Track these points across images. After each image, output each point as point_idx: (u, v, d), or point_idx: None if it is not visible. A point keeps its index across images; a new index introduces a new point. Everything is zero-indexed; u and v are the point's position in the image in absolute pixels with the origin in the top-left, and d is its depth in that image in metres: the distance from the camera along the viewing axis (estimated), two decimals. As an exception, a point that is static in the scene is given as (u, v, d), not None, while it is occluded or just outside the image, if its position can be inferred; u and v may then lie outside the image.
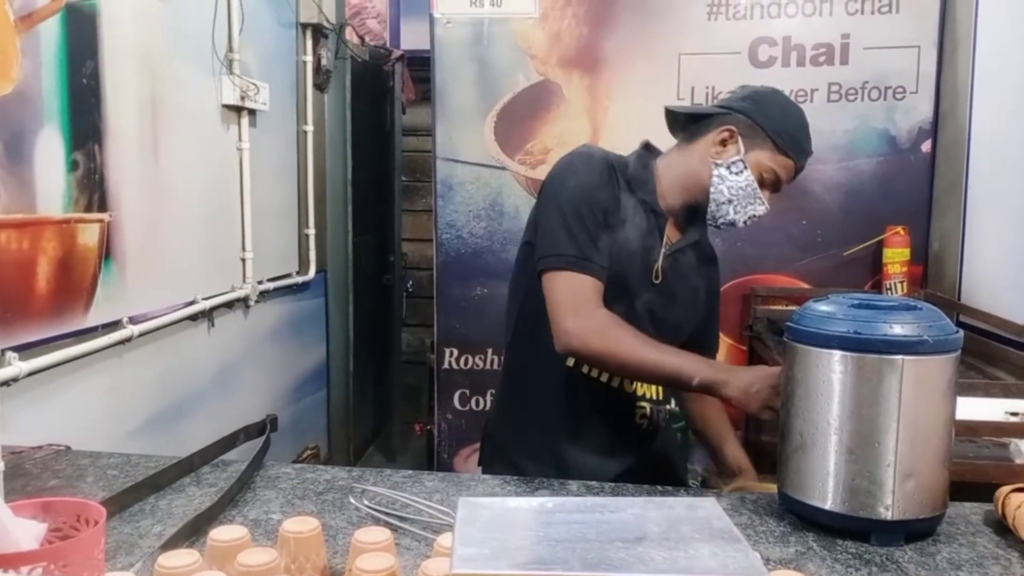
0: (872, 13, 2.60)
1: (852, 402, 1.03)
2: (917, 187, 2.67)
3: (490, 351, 2.81)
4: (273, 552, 0.88)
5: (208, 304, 2.45)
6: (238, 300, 2.69)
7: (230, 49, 2.58)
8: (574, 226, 1.30)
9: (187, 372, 2.37)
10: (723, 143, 1.35)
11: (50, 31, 1.73)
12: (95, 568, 0.68)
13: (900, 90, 2.62)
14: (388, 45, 4.48)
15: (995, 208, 2.38)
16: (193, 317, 2.38)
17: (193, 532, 1.03)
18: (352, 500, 1.17)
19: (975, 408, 1.59)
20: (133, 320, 2.04)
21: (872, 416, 1.02)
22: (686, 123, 1.43)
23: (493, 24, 2.71)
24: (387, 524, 1.07)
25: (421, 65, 3.10)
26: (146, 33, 2.11)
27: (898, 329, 1.02)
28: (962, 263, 2.54)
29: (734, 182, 1.34)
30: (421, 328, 4.63)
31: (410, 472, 1.31)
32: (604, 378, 1.40)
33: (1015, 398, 1.69)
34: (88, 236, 1.90)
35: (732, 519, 0.79)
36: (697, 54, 2.63)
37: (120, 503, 1.12)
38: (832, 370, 1.04)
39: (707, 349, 1.56)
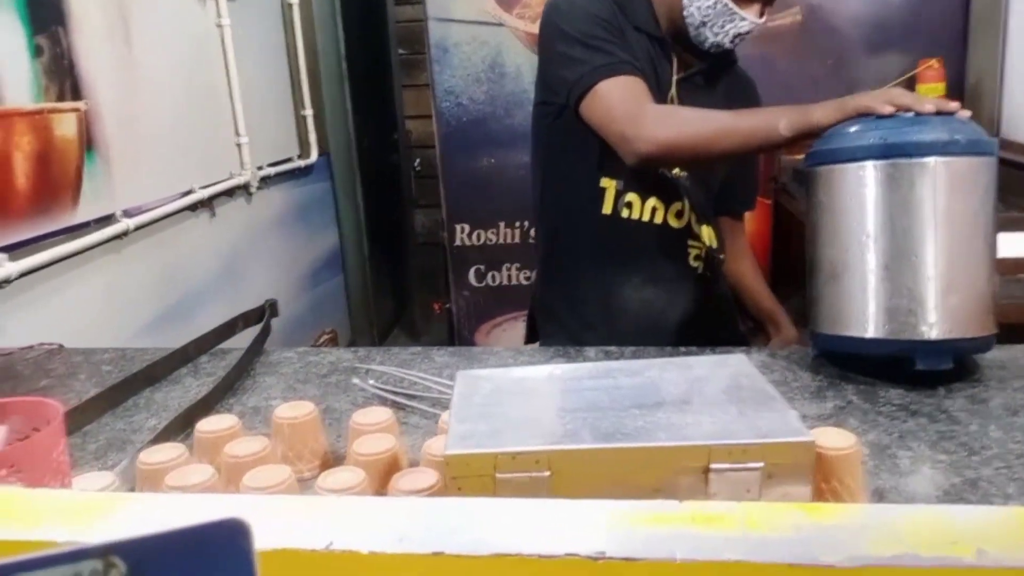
0: None
1: (884, 215, 0.94)
2: (951, 16, 2.45)
3: (502, 224, 2.71)
4: (264, 440, 0.81)
5: (206, 193, 2.35)
6: (238, 187, 2.59)
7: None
8: (593, 41, 1.21)
9: (190, 265, 2.30)
10: None
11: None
12: (57, 471, 0.62)
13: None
14: (373, -97, 4.14)
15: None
16: (192, 207, 2.29)
17: (187, 424, 0.96)
18: (356, 381, 1.10)
19: (1022, 245, 1.48)
20: (127, 213, 1.95)
21: (907, 227, 0.94)
22: None
23: None
24: (393, 403, 1.01)
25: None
26: None
27: (928, 132, 0.93)
28: (1001, 97, 2.36)
29: (701, 3, 1.23)
30: (433, 208, 4.53)
31: (419, 349, 1.24)
32: (647, 217, 1.31)
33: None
34: (65, 127, 1.78)
35: (763, 376, 0.70)
36: None
37: (111, 399, 1.06)
38: (861, 183, 0.95)
39: (743, 197, 1.49)
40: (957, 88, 2.47)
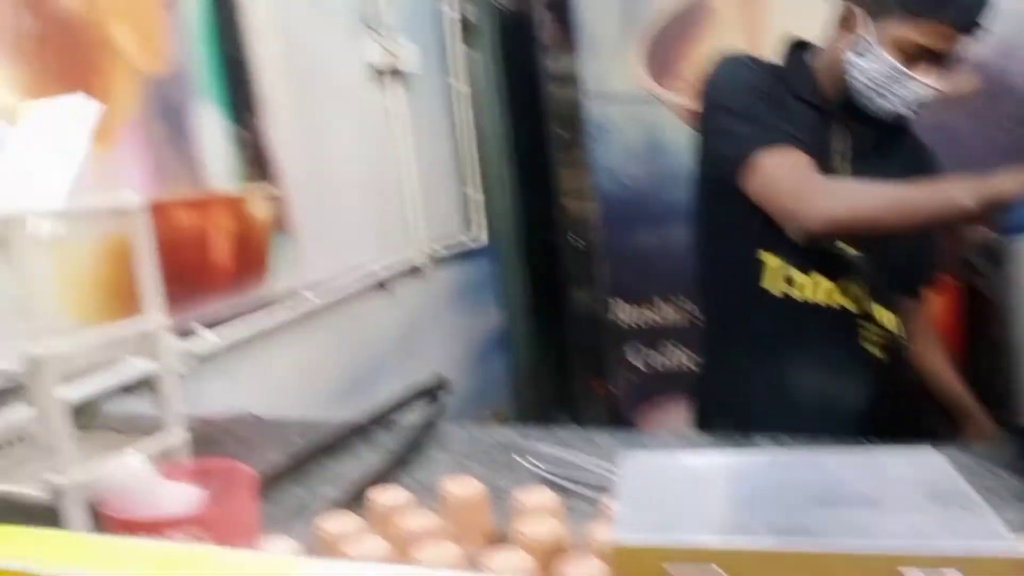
0: None
1: None
2: None
3: (664, 303, 2.67)
4: (433, 515, 0.84)
5: (384, 272, 2.50)
6: (412, 267, 2.73)
7: (376, 12, 2.58)
8: (752, 113, 1.19)
9: (369, 340, 2.44)
10: (845, 25, 1.19)
11: (195, 5, 1.78)
12: (246, 533, 0.67)
13: None
14: (535, -7, 4.35)
15: None
16: (371, 286, 2.44)
17: (361, 495, 1.01)
18: (520, 460, 1.11)
19: None
20: (313, 291, 2.11)
21: None
22: None
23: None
24: (556, 485, 1.01)
25: (567, 9, 2.98)
26: (291, 1, 2.14)
27: None
28: None
29: (867, 67, 1.17)
30: (594, 286, 4.55)
31: (581, 429, 1.24)
32: (816, 297, 1.25)
33: None
34: (259, 209, 1.97)
35: (958, 474, 0.65)
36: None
37: (295, 467, 1.14)
38: None
39: (923, 275, 1.39)
40: None
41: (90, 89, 1.46)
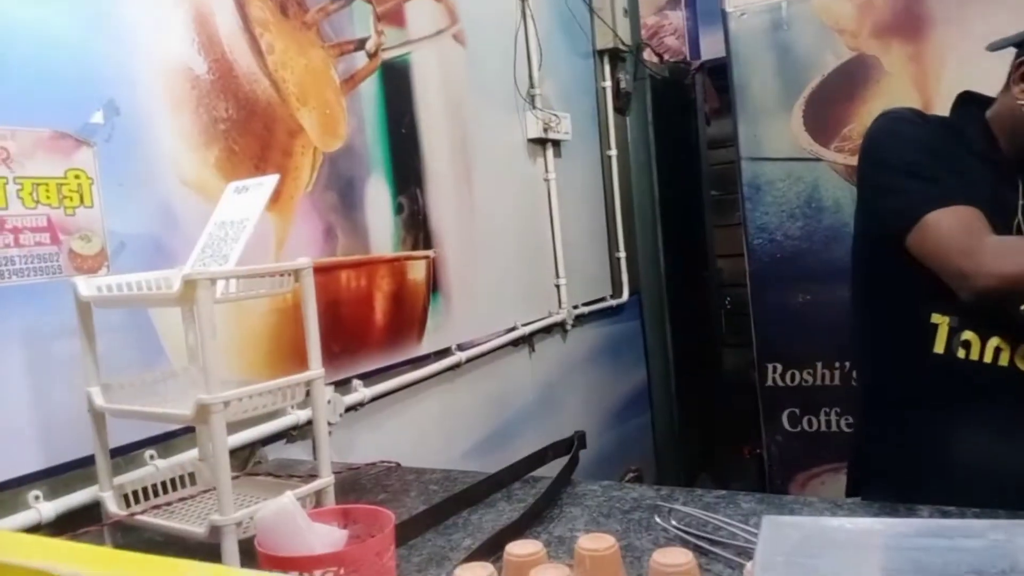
0: None
1: None
2: None
3: (819, 365, 2.53)
4: (567, 570, 0.83)
5: (527, 330, 2.54)
6: (555, 325, 2.76)
7: (531, 84, 2.69)
8: (919, 170, 1.14)
9: (511, 396, 2.47)
10: (1020, 76, 1.13)
11: (370, 89, 1.94)
12: (385, 574, 0.69)
13: None
14: (688, 59, 4.39)
15: None
16: (514, 343, 2.49)
17: (497, 547, 1.01)
18: (658, 520, 1.08)
19: None
20: (460, 347, 2.18)
21: None
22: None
23: (792, 5, 2.50)
24: (695, 546, 0.97)
25: (723, 74, 2.98)
26: (453, 79, 2.28)
27: None
28: None
29: None
30: (744, 347, 4.40)
31: (724, 492, 1.19)
32: (988, 358, 1.17)
33: None
34: (416, 271, 2.07)
35: None
36: (1057, -9, 2.16)
37: (435, 516, 1.16)
38: None
39: None
40: None
41: (276, 165, 1.62)
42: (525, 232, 2.65)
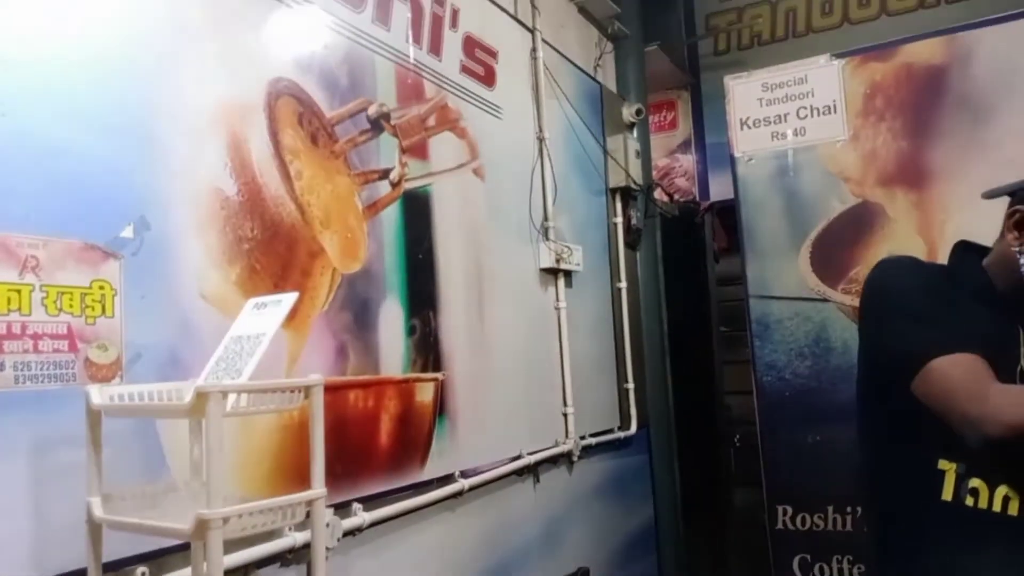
0: None
1: None
2: None
3: (831, 509, 2.46)
4: None
5: (533, 459, 2.50)
6: (561, 455, 2.72)
7: (545, 218, 2.78)
8: (923, 315, 1.17)
9: (513, 527, 2.40)
10: (1017, 226, 1.17)
11: (391, 215, 2.01)
12: None
13: None
14: (697, 198, 4.53)
15: None
16: (519, 472, 2.44)
17: None
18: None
19: None
20: (464, 474, 2.15)
21: None
22: None
23: (798, 153, 2.61)
24: None
25: (731, 214, 3.08)
26: (471, 210, 2.36)
27: None
28: None
29: None
30: (755, 487, 4.29)
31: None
32: (997, 507, 1.15)
33: None
34: (424, 394, 2.07)
35: None
36: (1049, 149, 2.26)
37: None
38: None
39: None
40: None
41: (295, 284, 1.66)
42: (535, 359, 2.66)
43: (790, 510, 2.54)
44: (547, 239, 2.76)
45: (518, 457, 2.43)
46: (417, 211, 2.11)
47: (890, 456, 1.27)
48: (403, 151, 2.07)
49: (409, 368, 2.02)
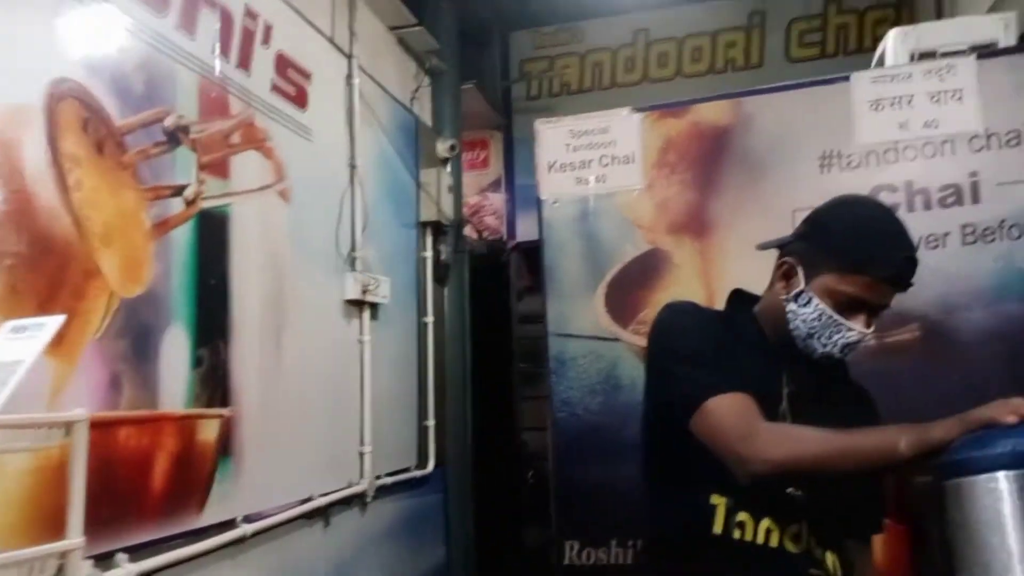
0: (1000, 147, 2.44)
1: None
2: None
3: (614, 543, 2.57)
4: None
5: (324, 501, 2.39)
6: (355, 496, 2.63)
7: (352, 248, 2.71)
8: (700, 359, 1.24)
9: (301, 572, 2.28)
10: (786, 276, 1.29)
11: (183, 235, 1.86)
12: None
13: (1047, 223, 2.40)
14: (504, 237, 4.65)
15: None
16: (308, 515, 2.33)
17: None
18: None
19: None
20: (247, 519, 2.00)
21: None
22: None
23: (599, 199, 2.75)
24: None
25: (536, 255, 3.19)
26: (273, 235, 2.25)
27: None
28: None
29: (806, 315, 1.25)
30: (547, 524, 4.40)
31: None
32: (760, 539, 1.24)
33: None
34: (207, 432, 1.92)
35: None
36: (812, 208, 2.53)
37: None
38: (996, 497, 0.90)
39: (868, 519, 1.38)
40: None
41: (64, 307, 1.47)
42: (334, 395, 2.57)
43: (577, 546, 2.61)
44: (354, 269, 2.69)
45: (309, 499, 2.32)
46: (213, 232, 1.98)
47: (668, 490, 1.34)
48: (201, 167, 1.94)
49: (193, 403, 1.87)
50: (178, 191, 1.85)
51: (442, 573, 3.38)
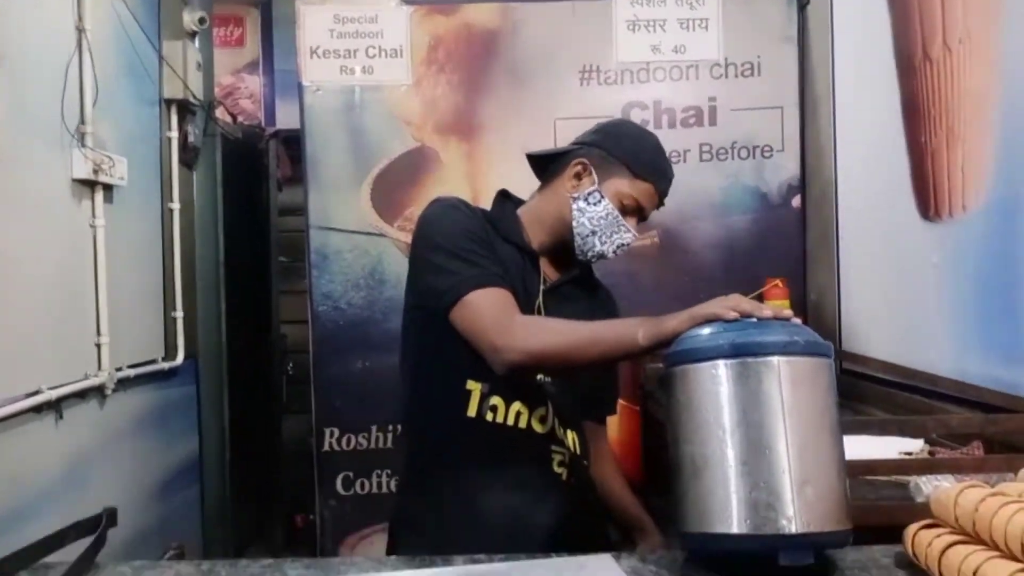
0: (736, 77, 2.72)
1: (738, 410, 1.01)
2: (791, 241, 2.76)
3: (374, 428, 2.65)
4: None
5: (55, 394, 2.18)
6: (92, 389, 2.43)
7: (82, 122, 2.40)
8: (464, 253, 1.28)
9: (28, 472, 2.09)
10: (578, 176, 1.38)
11: None
12: None
13: (768, 149, 2.73)
14: (263, 124, 4.38)
15: (865, 257, 2.46)
16: (37, 409, 2.12)
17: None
18: (199, 598, 1.00)
19: (871, 448, 1.58)
20: (-34, 413, 1.79)
21: (759, 421, 0.99)
22: (546, 165, 1.46)
23: (365, 92, 2.67)
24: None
25: (297, 144, 3.05)
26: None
27: (771, 334, 1.03)
28: (840, 312, 2.61)
29: (594, 212, 1.36)
30: (305, 414, 4.40)
31: (270, 561, 1.14)
32: (511, 421, 1.33)
33: (910, 436, 1.69)
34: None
35: None
36: (572, 118, 2.62)
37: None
38: (715, 381, 1.02)
39: (606, 403, 1.54)
40: (800, 304, 2.71)
41: None
42: (63, 282, 2.32)
43: (337, 432, 2.66)
44: (84, 145, 2.40)
45: (36, 392, 2.11)
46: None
47: (427, 378, 1.39)
48: None
49: None
50: None
51: (194, 465, 3.27)
